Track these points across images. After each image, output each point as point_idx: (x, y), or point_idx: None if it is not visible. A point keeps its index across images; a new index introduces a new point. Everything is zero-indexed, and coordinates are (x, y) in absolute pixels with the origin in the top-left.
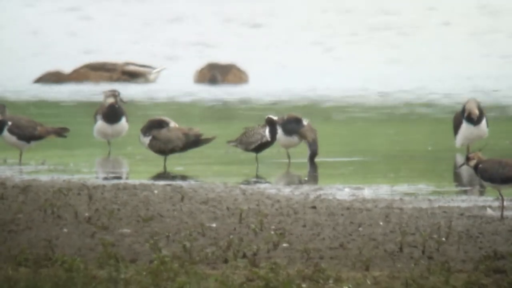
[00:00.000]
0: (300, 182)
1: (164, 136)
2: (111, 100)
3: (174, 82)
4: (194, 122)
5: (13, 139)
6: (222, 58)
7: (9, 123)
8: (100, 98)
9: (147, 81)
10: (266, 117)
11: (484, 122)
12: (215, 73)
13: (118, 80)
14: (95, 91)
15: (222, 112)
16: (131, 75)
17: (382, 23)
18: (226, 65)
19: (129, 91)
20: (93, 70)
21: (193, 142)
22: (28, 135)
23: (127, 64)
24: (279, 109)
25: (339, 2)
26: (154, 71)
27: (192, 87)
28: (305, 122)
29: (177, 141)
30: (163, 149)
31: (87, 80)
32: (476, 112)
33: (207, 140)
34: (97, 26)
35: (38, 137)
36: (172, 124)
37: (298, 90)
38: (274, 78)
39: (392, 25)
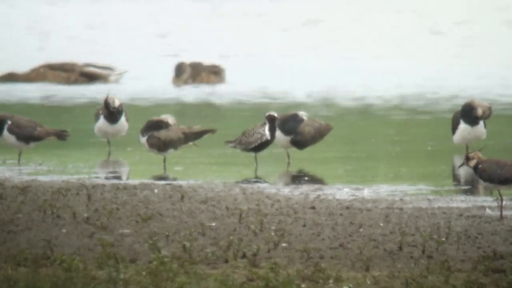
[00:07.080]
0: (300, 182)
1: (164, 136)
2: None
3: (155, 83)
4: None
5: (12, 138)
6: (200, 58)
7: (9, 122)
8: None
9: (106, 82)
10: (267, 114)
11: (481, 123)
12: (196, 74)
13: (75, 81)
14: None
15: (203, 111)
16: (90, 76)
17: (380, 19)
18: (204, 65)
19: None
20: (52, 69)
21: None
22: (27, 135)
23: (87, 65)
24: (271, 108)
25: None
26: (115, 73)
27: (170, 88)
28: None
29: (178, 141)
30: (162, 148)
31: (45, 80)
32: (479, 111)
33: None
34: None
35: (37, 138)
36: (171, 120)
37: (282, 90)
38: (263, 77)
39: (390, 17)
